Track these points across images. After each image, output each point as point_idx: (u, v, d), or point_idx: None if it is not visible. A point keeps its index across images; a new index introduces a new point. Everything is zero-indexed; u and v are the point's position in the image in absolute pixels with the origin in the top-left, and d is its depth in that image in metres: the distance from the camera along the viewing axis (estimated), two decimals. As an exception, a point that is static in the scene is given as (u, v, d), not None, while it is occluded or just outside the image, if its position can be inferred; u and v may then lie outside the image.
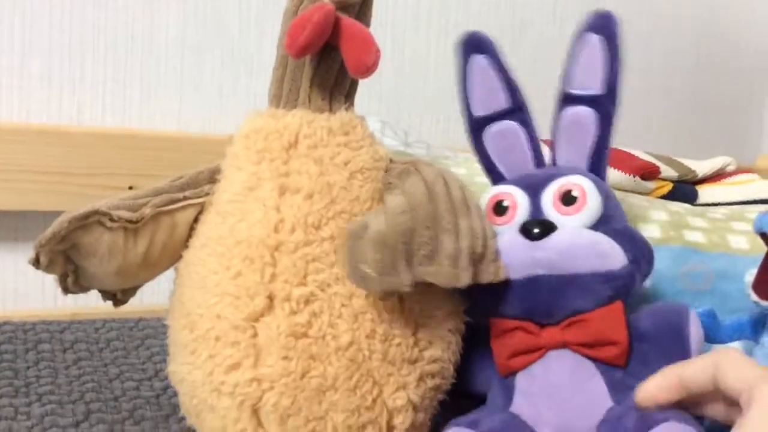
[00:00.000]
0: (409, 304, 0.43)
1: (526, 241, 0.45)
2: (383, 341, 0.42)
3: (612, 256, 0.46)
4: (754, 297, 0.46)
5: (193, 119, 0.85)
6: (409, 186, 0.42)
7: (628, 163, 0.70)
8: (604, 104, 0.50)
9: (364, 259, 0.40)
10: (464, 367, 0.48)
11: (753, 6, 1.42)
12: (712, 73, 1.43)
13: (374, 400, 0.42)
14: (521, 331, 0.46)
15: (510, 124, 0.52)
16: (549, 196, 0.48)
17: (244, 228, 0.43)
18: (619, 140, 0.54)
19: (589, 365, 0.45)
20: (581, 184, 0.48)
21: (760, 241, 0.49)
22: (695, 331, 0.46)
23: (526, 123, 0.52)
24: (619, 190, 0.57)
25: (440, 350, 0.45)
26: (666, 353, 0.44)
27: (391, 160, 0.48)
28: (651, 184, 0.73)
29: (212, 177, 0.48)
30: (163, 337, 0.48)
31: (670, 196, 0.73)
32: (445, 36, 1.03)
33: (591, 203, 0.47)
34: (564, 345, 0.45)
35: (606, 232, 0.47)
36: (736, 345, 0.51)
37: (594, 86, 0.50)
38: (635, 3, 1.23)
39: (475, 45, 0.51)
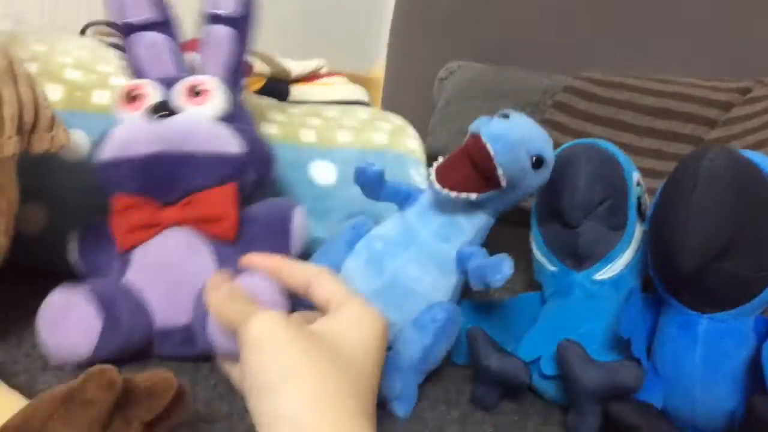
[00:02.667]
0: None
1: (151, 121, 0.49)
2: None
3: (229, 142, 0.51)
4: (437, 185, 0.50)
5: None
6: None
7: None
8: (240, 23, 0.56)
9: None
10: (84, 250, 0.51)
11: None
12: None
13: None
14: (142, 207, 0.49)
15: (157, 36, 0.55)
16: (179, 89, 0.52)
17: None
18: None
19: (201, 242, 0.50)
20: (209, 81, 0.53)
21: (327, 135, 0.57)
22: (298, 221, 0.53)
23: (171, 35, 0.56)
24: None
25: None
26: (272, 235, 0.52)
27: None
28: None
29: None
30: None
31: (263, 92, 0.79)
32: None
33: (216, 98, 0.52)
34: (181, 222, 0.49)
35: (229, 127, 0.51)
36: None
37: (229, 7, 0.56)
38: None
39: None
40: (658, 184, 0.52)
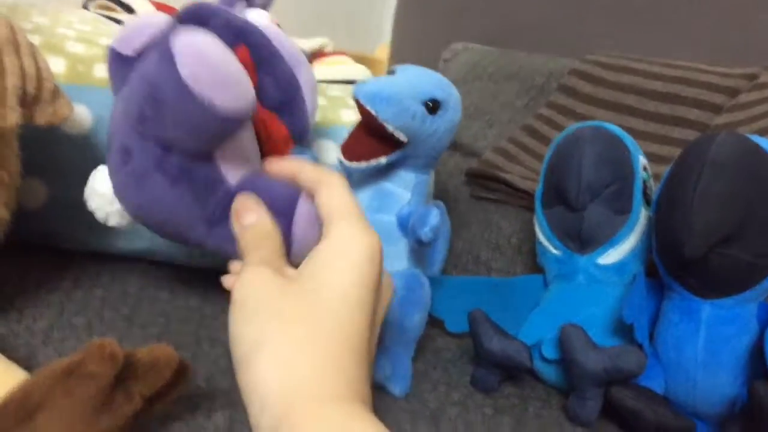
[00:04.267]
0: None
1: None
2: None
3: None
4: (345, 162, 0.50)
5: None
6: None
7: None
8: None
9: None
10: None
11: None
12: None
13: None
14: None
15: None
16: None
17: None
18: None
19: None
20: None
21: (331, 114, 0.56)
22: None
23: None
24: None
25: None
26: None
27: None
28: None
29: None
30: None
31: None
32: None
33: None
34: None
35: None
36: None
37: None
38: None
39: None
40: (663, 170, 0.52)
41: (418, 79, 0.50)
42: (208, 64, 0.36)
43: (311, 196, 0.38)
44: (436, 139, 0.51)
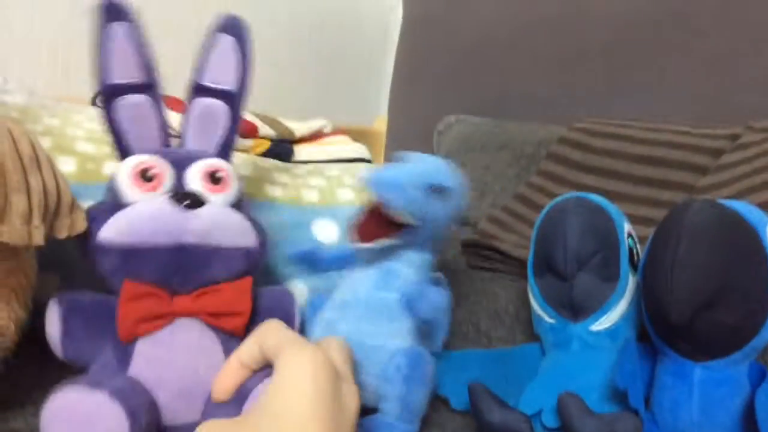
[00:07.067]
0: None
1: (177, 210, 0.47)
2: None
3: (249, 234, 0.50)
4: (355, 243, 0.52)
5: None
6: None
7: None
8: (236, 99, 0.55)
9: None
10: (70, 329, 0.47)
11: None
12: (337, 46, 1.57)
13: None
14: (154, 297, 0.46)
15: (142, 99, 0.52)
16: (196, 174, 0.50)
17: None
18: (255, 105, 0.60)
19: (213, 335, 0.48)
20: (225, 167, 0.52)
21: (329, 194, 0.60)
22: (297, 310, 0.54)
23: (157, 100, 0.53)
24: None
25: (-2, 307, 0.44)
26: None
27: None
28: (249, 142, 0.80)
29: None
30: None
31: (268, 153, 0.81)
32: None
33: (233, 185, 0.51)
34: (194, 313, 0.47)
35: (246, 219, 0.51)
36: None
37: (227, 82, 0.54)
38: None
39: (115, 12, 0.50)
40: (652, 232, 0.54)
41: (425, 167, 0.54)
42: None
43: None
44: (440, 219, 0.55)
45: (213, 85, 0.54)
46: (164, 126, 0.54)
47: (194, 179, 0.50)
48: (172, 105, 0.58)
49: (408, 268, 0.55)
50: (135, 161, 0.50)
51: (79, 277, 0.56)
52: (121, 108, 0.51)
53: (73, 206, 0.44)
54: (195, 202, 0.48)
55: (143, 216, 0.46)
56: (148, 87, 0.52)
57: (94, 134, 0.65)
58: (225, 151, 0.55)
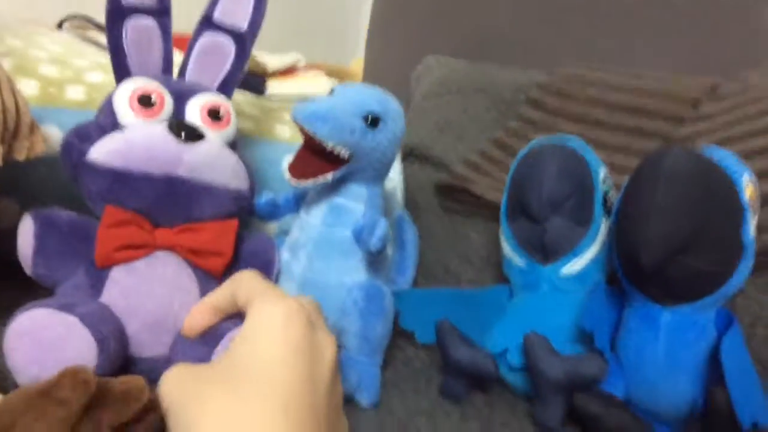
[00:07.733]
0: None
1: (174, 140, 0.45)
2: None
3: (242, 177, 0.50)
4: (293, 181, 0.50)
5: None
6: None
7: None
8: (245, 39, 0.54)
9: None
10: (43, 249, 0.45)
11: None
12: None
13: None
14: (136, 226, 0.45)
15: (150, 22, 0.51)
16: (196, 107, 0.49)
17: None
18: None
19: (191, 272, 0.47)
20: (227, 104, 0.51)
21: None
22: (278, 259, 0.54)
23: (165, 28, 0.51)
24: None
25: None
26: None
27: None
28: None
29: None
30: None
31: (240, 86, 0.79)
32: None
33: (232, 124, 0.51)
34: (174, 247, 0.47)
35: (240, 161, 0.50)
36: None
37: (239, 21, 0.54)
38: None
39: None
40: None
41: (355, 96, 0.52)
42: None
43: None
44: (380, 152, 0.52)
45: (223, 22, 0.54)
46: (169, 56, 0.52)
47: (194, 112, 0.49)
48: (179, 44, 0.55)
49: (355, 202, 0.54)
50: (136, 84, 0.48)
51: (43, 203, 0.54)
52: (129, 29, 0.50)
53: (33, 128, 0.43)
54: (193, 135, 0.46)
55: (138, 142, 0.45)
56: (158, 12, 0.51)
57: (58, 56, 0.62)
58: (227, 88, 0.54)
